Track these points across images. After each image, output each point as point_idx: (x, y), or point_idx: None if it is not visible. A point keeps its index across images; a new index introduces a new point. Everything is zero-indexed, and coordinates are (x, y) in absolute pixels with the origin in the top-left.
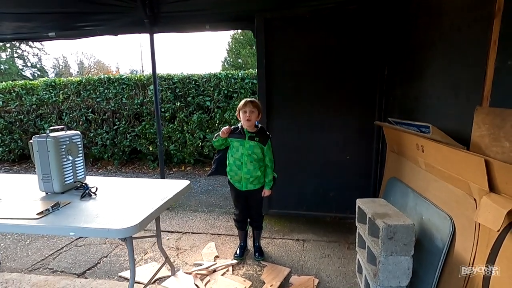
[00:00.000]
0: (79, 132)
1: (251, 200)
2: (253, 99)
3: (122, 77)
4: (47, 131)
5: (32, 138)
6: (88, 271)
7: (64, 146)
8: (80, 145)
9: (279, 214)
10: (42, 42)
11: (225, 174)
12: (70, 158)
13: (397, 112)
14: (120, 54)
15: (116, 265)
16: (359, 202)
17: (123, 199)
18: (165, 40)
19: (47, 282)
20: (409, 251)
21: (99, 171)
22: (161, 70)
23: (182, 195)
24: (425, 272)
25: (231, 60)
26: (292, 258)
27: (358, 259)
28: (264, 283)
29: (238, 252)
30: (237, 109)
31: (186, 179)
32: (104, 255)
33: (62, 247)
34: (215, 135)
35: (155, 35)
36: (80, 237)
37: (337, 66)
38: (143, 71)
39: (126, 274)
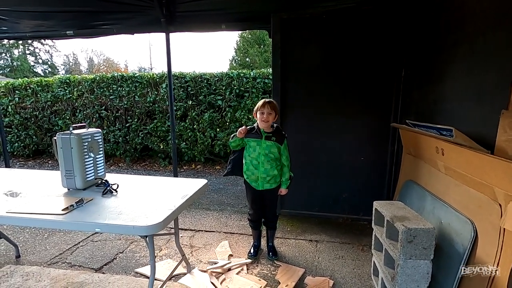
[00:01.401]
0: (100, 130)
1: (267, 199)
2: (271, 100)
3: (135, 75)
4: (70, 128)
5: (56, 135)
6: (105, 266)
7: (86, 144)
8: (101, 143)
9: (291, 214)
10: (53, 40)
11: (241, 175)
12: (92, 155)
13: (413, 114)
14: (129, 51)
15: (132, 261)
16: (377, 205)
17: (144, 197)
18: (173, 38)
19: (66, 276)
20: (428, 255)
21: (111, 168)
22: (172, 69)
23: (200, 194)
24: (445, 277)
25: (239, 59)
26: (306, 259)
27: (373, 261)
28: (279, 283)
29: (252, 251)
30: (255, 109)
31: (197, 177)
32: (120, 251)
33: (79, 242)
34: (232, 135)
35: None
36: (95, 233)
37: (353, 67)
38: (151, 69)
39: (143, 270)
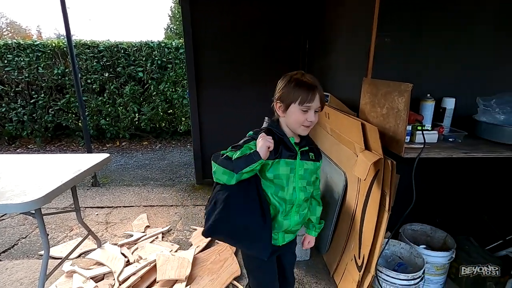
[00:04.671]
0: None
1: (286, 258)
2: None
3: (35, 43)
4: None
5: None
6: (3, 254)
7: None
8: None
9: (211, 183)
10: None
11: (229, 237)
12: None
13: None
14: (42, 15)
15: (37, 244)
16: None
17: (30, 174)
18: (103, 3)
19: None
20: None
21: (18, 151)
22: (87, 37)
23: (99, 168)
24: (327, 221)
25: (174, 27)
26: None
27: None
28: (192, 244)
29: None
30: (282, 93)
31: (122, 154)
32: (23, 236)
33: None
34: (235, 156)
35: None
36: None
37: (264, 38)
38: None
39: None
